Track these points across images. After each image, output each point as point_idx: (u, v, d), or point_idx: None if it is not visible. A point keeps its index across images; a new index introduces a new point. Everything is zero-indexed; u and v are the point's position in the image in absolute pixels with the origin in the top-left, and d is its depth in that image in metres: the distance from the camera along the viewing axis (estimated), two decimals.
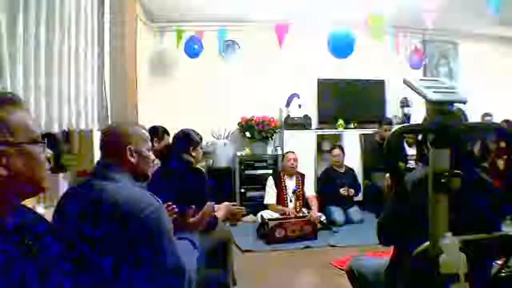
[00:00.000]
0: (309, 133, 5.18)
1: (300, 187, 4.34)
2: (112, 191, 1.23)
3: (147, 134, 1.46)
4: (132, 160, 1.35)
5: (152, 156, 1.46)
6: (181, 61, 5.15)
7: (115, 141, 1.36)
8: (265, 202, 4.35)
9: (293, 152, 4.45)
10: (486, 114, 5.41)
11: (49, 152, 0.89)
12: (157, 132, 3.18)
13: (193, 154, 2.57)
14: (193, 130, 2.64)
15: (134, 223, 1.17)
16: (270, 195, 4.33)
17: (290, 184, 4.36)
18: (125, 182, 1.30)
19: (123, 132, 1.39)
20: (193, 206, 1.71)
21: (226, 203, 2.53)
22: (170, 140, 3.22)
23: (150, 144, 1.46)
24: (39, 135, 0.86)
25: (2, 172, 0.77)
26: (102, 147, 1.40)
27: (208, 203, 2.12)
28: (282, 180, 4.35)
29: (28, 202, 1.97)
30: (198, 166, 2.72)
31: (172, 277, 1.23)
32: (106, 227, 1.15)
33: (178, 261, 1.24)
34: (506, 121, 4.34)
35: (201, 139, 2.65)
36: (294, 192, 4.31)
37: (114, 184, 1.26)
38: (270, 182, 4.38)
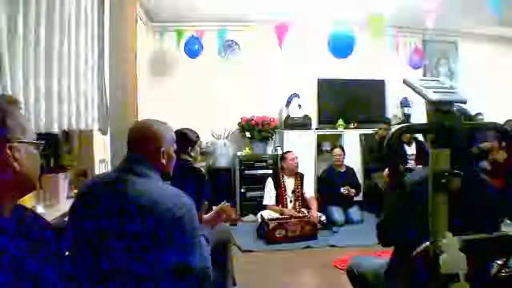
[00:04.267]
0: (309, 133, 5.18)
1: (299, 187, 4.34)
2: (149, 187, 1.23)
3: (174, 135, 1.47)
4: (163, 161, 1.36)
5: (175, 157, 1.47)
6: (181, 61, 5.15)
7: (150, 141, 1.36)
8: (264, 203, 4.34)
9: (290, 152, 4.45)
10: (478, 114, 5.38)
11: (40, 149, 0.92)
12: None
13: (192, 153, 2.56)
14: (188, 129, 2.63)
15: (170, 220, 1.16)
16: (269, 196, 4.32)
17: (290, 184, 4.35)
18: (159, 180, 1.30)
19: (159, 133, 1.38)
20: (206, 202, 1.70)
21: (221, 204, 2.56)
22: None
23: (175, 146, 1.47)
24: (31, 135, 0.91)
25: (18, 167, 0.82)
26: (135, 144, 1.38)
27: (225, 202, 2.10)
28: (282, 180, 4.35)
29: (28, 203, 1.98)
30: (198, 165, 2.71)
31: (198, 277, 1.23)
32: (141, 222, 1.15)
33: (205, 260, 1.25)
34: (509, 120, 4.32)
35: (197, 137, 2.65)
36: (293, 192, 4.31)
37: (150, 180, 1.26)
38: (270, 183, 4.37)
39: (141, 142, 1.37)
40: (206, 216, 1.63)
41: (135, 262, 1.13)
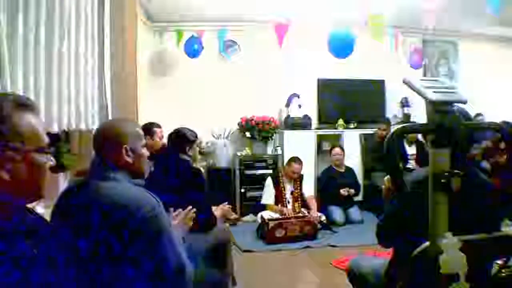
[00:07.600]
0: (309, 133, 5.17)
1: (299, 187, 4.33)
2: (109, 190, 1.22)
3: (141, 131, 1.45)
4: (128, 159, 1.34)
5: (147, 153, 1.44)
6: (181, 61, 5.14)
7: (110, 140, 1.34)
8: (262, 202, 4.34)
9: (298, 162, 4.33)
10: (478, 114, 5.38)
11: (52, 160, 0.88)
12: (148, 129, 3.15)
13: (190, 153, 2.57)
14: (187, 129, 2.64)
15: (132, 222, 1.16)
16: (267, 195, 4.32)
17: (289, 185, 4.35)
18: (122, 181, 1.29)
19: (118, 131, 1.36)
20: (172, 209, 1.70)
21: (221, 205, 2.56)
22: (160, 132, 3.22)
23: (144, 141, 1.44)
24: (47, 144, 0.86)
25: (5, 176, 0.78)
26: (96, 146, 1.37)
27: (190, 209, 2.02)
28: (281, 181, 4.34)
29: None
30: (197, 165, 2.71)
31: (173, 276, 1.22)
32: (104, 227, 1.14)
33: (179, 259, 1.23)
34: (506, 122, 4.31)
35: (196, 136, 2.65)
36: (292, 193, 4.30)
37: (112, 183, 1.26)
38: (269, 182, 4.37)
39: (102, 144, 1.35)
40: (174, 223, 1.62)
41: (105, 265, 1.13)
